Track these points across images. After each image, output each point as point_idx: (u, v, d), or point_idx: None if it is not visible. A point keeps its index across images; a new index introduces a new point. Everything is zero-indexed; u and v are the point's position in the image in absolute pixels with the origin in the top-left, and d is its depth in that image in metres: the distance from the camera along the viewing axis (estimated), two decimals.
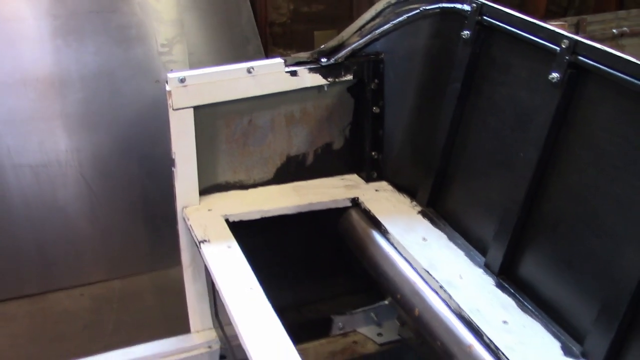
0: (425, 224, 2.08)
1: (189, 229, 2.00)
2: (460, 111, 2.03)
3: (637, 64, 1.47)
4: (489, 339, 1.62)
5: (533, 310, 1.72)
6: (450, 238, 2.01)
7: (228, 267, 1.80)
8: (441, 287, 1.80)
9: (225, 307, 1.67)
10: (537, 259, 1.76)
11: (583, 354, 1.56)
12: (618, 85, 1.52)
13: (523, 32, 1.78)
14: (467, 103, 2.01)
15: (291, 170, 2.25)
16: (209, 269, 1.81)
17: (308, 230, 2.22)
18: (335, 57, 2.15)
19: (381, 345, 2.28)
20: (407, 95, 2.20)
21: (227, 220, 2.03)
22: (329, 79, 2.16)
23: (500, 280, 1.83)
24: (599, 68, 1.56)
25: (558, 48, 1.65)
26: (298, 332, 2.26)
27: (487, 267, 1.87)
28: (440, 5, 2.07)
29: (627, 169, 1.51)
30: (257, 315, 1.65)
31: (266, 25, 3.68)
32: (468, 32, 1.95)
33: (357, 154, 2.31)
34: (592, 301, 1.57)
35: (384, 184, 2.29)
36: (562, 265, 1.69)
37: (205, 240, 1.91)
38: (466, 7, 1.97)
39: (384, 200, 2.20)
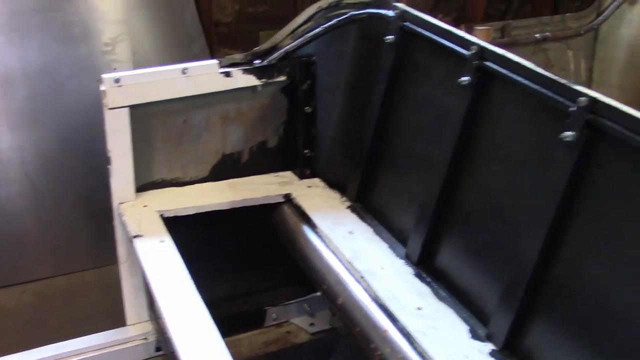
0: (353, 218, 2.19)
1: (124, 225, 2.07)
2: (385, 111, 2.14)
3: (532, 69, 1.61)
4: (402, 324, 1.74)
5: (447, 297, 1.84)
6: (376, 231, 2.12)
7: (160, 261, 1.88)
8: (362, 277, 1.91)
9: (155, 300, 1.75)
10: (452, 249, 1.89)
11: (488, 336, 1.69)
12: (518, 89, 1.65)
13: (439, 37, 1.90)
14: (391, 103, 2.13)
15: (227, 168, 2.33)
16: (141, 263, 1.88)
17: (242, 225, 2.30)
18: (269, 58, 2.25)
19: (313, 334, 2.39)
20: (338, 95, 2.31)
21: (162, 216, 2.10)
22: (262, 80, 2.25)
23: (419, 270, 1.95)
24: (502, 73, 1.69)
25: (468, 53, 1.78)
26: (233, 323, 2.36)
27: (408, 258, 1.99)
28: (367, 10, 2.18)
29: (526, 165, 1.64)
30: (186, 308, 1.72)
31: (211, 24, 3.75)
32: (391, 37, 2.07)
33: (291, 152, 2.41)
34: (496, 286, 1.70)
35: (316, 181, 2.40)
36: (472, 254, 1.82)
37: (138, 235, 1.98)
38: (390, 13, 2.08)
39: (315, 196, 2.30)
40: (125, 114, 2.05)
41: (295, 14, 3.97)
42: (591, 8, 2.98)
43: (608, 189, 1.45)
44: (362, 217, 2.19)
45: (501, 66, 1.70)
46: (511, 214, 1.68)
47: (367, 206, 2.24)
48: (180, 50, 3.50)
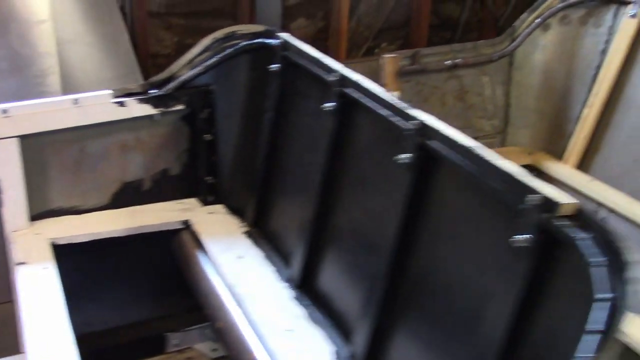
0: (246, 243, 2.22)
1: (11, 253, 2.10)
2: (274, 138, 2.20)
3: (379, 95, 1.66)
4: (270, 347, 1.76)
5: (321, 319, 1.87)
6: (267, 256, 2.15)
7: (36, 290, 1.87)
8: (241, 301, 1.94)
9: (20, 330, 1.76)
10: (327, 271, 1.92)
11: (352, 356, 1.71)
12: (370, 113, 1.70)
13: (311, 65, 1.96)
14: (279, 130, 2.18)
15: (128, 196, 2.37)
16: (17, 291, 1.90)
17: (142, 251, 2.33)
18: (165, 88, 2.30)
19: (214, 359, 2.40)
20: (235, 123, 2.36)
21: (53, 244, 2.12)
22: (159, 109, 2.29)
23: (300, 293, 1.97)
24: (359, 99, 1.74)
25: (332, 80, 1.83)
26: (133, 349, 2.37)
27: (290, 282, 2.02)
28: (257, 41, 2.24)
29: (376, 186, 1.69)
30: (50, 338, 1.69)
31: (148, 57, 3.81)
32: (276, 66, 2.13)
33: (195, 179, 2.44)
34: (357, 307, 1.73)
35: (219, 207, 2.43)
36: (343, 276, 1.86)
37: (22, 263, 2.01)
38: (275, 43, 2.14)
39: (214, 223, 2.33)
40: (14, 144, 2.09)
41: None
42: (505, 34, 3.04)
43: (443, 206, 1.49)
44: (256, 242, 2.23)
45: (359, 92, 1.75)
46: (367, 232, 1.72)
47: (263, 231, 2.27)
48: (113, 83, 3.55)
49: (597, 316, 1.01)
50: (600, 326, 0.98)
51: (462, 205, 1.44)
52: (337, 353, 1.74)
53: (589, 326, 1.00)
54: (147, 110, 2.28)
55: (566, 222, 1.13)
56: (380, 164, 1.66)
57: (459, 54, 2.94)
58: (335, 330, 1.82)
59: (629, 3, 2.81)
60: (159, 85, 2.31)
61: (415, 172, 1.50)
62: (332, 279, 1.90)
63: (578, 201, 1.16)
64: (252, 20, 4.03)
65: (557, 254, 1.16)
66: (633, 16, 2.79)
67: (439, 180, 1.48)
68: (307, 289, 1.98)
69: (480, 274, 1.35)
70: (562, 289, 1.16)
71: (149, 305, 2.38)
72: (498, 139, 3.15)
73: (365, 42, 4.55)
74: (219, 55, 2.30)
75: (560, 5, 2.98)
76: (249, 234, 2.27)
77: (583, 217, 1.13)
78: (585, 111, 2.93)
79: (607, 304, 0.99)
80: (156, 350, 2.38)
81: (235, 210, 2.40)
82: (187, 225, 2.32)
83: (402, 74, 2.79)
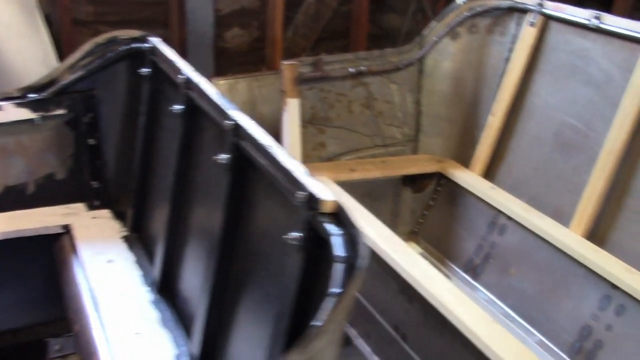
0: (121, 248, 2.22)
1: None
2: (148, 141, 2.20)
3: (212, 98, 1.66)
4: (113, 349, 1.75)
5: (173, 322, 1.86)
6: (138, 260, 2.15)
7: None
8: (99, 304, 1.93)
9: None
10: (183, 274, 1.92)
11: (190, 355, 1.70)
12: (207, 115, 1.71)
13: (170, 70, 1.97)
14: (151, 134, 2.18)
15: (10, 200, 2.36)
16: None
17: (22, 256, 2.32)
18: (45, 92, 2.30)
19: None
20: (117, 127, 2.37)
21: None
22: (38, 113, 2.30)
23: (160, 297, 1.97)
24: (198, 102, 1.75)
25: (180, 83, 1.84)
26: (13, 355, 2.35)
27: (152, 285, 2.01)
28: (132, 46, 2.25)
29: (207, 189, 1.69)
30: None
31: None
32: (146, 70, 2.14)
33: (81, 183, 2.44)
34: (195, 308, 1.73)
35: (104, 212, 2.43)
36: (191, 279, 1.85)
37: None
38: (145, 48, 2.15)
39: (94, 227, 2.33)
40: None
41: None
42: (414, 42, 3.06)
43: (255, 205, 1.49)
44: (131, 247, 2.22)
45: (201, 97, 1.75)
46: (205, 233, 1.72)
47: (140, 236, 2.27)
48: None
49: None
50: (319, 322, 0.98)
51: (267, 204, 1.44)
52: (177, 357, 1.73)
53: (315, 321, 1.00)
54: (25, 114, 2.28)
55: (326, 219, 1.14)
56: (211, 164, 1.66)
57: (365, 61, 2.94)
58: (183, 333, 1.81)
59: (529, 11, 2.83)
60: (39, 89, 2.31)
61: (233, 172, 1.50)
62: (185, 282, 1.89)
63: (336, 199, 1.16)
64: (182, 29, 4.06)
65: (321, 250, 1.16)
66: (532, 24, 2.81)
67: (251, 179, 1.48)
68: (166, 292, 1.98)
69: (278, 271, 1.35)
70: (325, 286, 1.15)
71: (30, 311, 2.37)
72: (409, 147, 3.16)
73: (302, 52, 4.57)
74: (99, 60, 2.31)
75: (468, 14, 3.00)
76: (127, 239, 2.26)
77: (341, 215, 1.13)
78: (490, 119, 2.95)
79: (334, 300, 0.99)
80: (37, 356, 2.36)
81: (119, 215, 2.40)
82: (67, 230, 2.32)
83: (305, 81, 2.79)
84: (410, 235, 3.11)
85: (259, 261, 1.45)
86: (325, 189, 1.19)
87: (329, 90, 2.89)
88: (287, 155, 1.35)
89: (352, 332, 2.61)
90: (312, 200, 1.16)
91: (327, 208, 1.15)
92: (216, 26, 4.20)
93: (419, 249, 3.03)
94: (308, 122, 2.86)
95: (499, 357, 1.74)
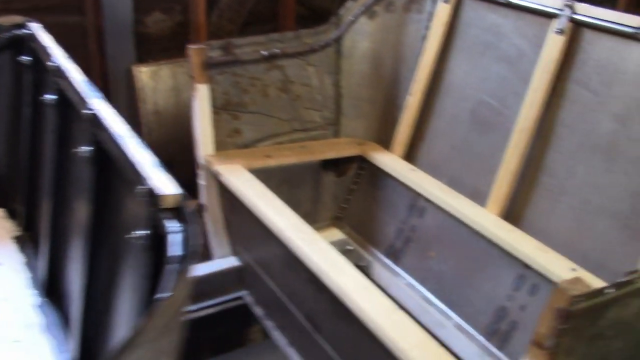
0: (12, 248, 2.09)
1: None
2: (35, 134, 2.06)
3: (79, 92, 1.54)
4: None
5: (57, 328, 1.75)
6: (28, 262, 2.02)
7: None
8: None
9: None
10: (68, 276, 1.80)
11: None
12: (76, 108, 1.58)
13: (46, 56, 1.84)
14: (37, 126, 2.04)
15: None
16: None
17: None
18: None
19: None
20: (4, 120, 2.22)
21: None
22: None
23: (47, 301, 1.85)
24: (68, 93, 1.62)
25: (51, 70, 1.71)
26: None
27: (39, 288, 1.89)
28: (13, 33, 2.10)
29: (75, 172, 1.57)
30: None
31: None
32: (26, 58, 1.99)
33: None
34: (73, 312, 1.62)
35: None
36: (75, 278, 1.74)
37: None
38: (25, 34, 2.01)
39: None
40: None
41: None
42: (330, 23, 2.97)
43: (119, 201, 1.39)
44: (22, 247, 2.09)
45: (68, 83, 1.63)
46: (78, 229, 1.61)
47: (33, 235, 2.14)
48: None
49: None
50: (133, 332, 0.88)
51: (125, 199, 1.33)
52: None
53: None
54: None
55: (167, 215, 1.04)
56: (78, 157, 1.55)
57: (278, 43, 2.84)
58: (66, 338, 1.70)
59: None
60: None
61: (94, 165, 1.39)
62: (68, 283, 1.78)
63: (179, 193, 1.06)
64: (98, 15, 3.87)
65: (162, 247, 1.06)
66: (446, 1, 2.74)
67: (111, 173, 1.37)
68: (53, 295, 1.86)
69: (134, 271, 1.25)
70: None
71: None
72: (331, 130, 3.07)
73: (229, 37, 4.43)
74: None
75: None
76: (18, 239, 2.13)
77: (181, 210, 1.04)
78: (409, 99, 2.88)
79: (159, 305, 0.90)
80: None
81: (14, 213, 2.26)
82: None
83: (215, 66, 2.68)
84: (333, 221, 3.03)
85: (121, 260, 1.35)
86: (169, 182, 1.10)
87: (241, 75, 2.77)
88: (139, 146, 1.25)
89: (269, 324, 2.53)
90: (153, 195, 1.06)
91: (167, 203, 1.05)
92: (135, 11, 4.02)
93: (342, 235, 2.96)
94: (221, 108, 2.75)
95: (398, 347, 1.68)
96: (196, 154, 2.69)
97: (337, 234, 2.97)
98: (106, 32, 3.95)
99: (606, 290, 1.22)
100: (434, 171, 2.77)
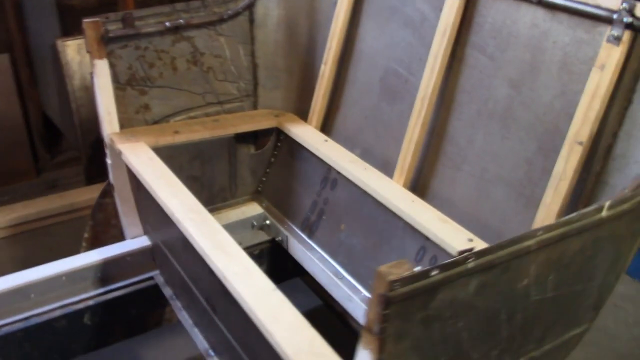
0: None
1: None
2: None
3: None
4: None
5: None
6: None
7: None
8: None
9: None
10: None
11: None
12: None
13: None
14: None
15: None
16: None
17: None
18: None
19: None
20: None
21: None
22: None
23: None
24: None
25: None
26: None
27: None
28: None
29: None
30: None
31: None
32: None
33: None
34: None
35: None
36: None
37: None
38: None
39: None
40: None
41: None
42: None
43: None
44: None
45: None
46: None
47: None
48: None
49: None
50: None
51: None
52: None
53: None
54: None
55: None
56: None
57: (184, 14, 2.73)
58: None
59: None
60: None
61: None
62: None
63: None
64: None
65: None
66: None
67: None
68: None
69: None
70: None
71: None
72: (249, 102, 2.99)
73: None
74: None
75: None
76: None
77: None
78: (322, 68, 2.79)
79: None
80: None
81: None
82: None
83: (115, 40, 2.57)
84: (254, 195, 2.97)
85: None
86: None
87: (145, 48, 2.67)
88: None
89: (177, 305, 2.49)
90: None
91: None
92: None
93: (261, 210, 2.90)
94: (127, 83, 2.65)
95: (268, 329, 1.63)
96: (101, 132, 2.61)
97: (256, 209, 2.92)
98: (26, 5, 3.83)
99: (432, 273, 1.17)
100: (348, 142, 2.70)
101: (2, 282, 2.39)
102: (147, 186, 2.27)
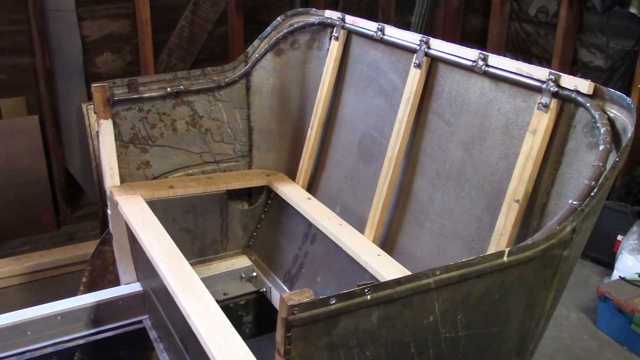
0: None
1: None
2: None
3: None
4: None
5: None
6: None
7: None
8: None
9: None
10: None
11: None
12: None
13: None
14: None
15: None
16: None
17: None
18: None
19: None
20: None
21: None
22: None
23: None
24: None
25: None
26: None
27: None
28: None
29: None
30: None
31: None
32: None
33: None
34: None
35: None
36: None
37: None
38: None
39: None
40: None
41: (37, 80, 4.14)
42: (237, 61, 3.13)
43: None
44: None
45: None
46: None
47: None
48: None
49: None
50: None
51: None
52: None
53: None
54: None
55: None
56: None
57: (185, 81, 3.01)
58: None
59: (335, 26, 2.92)
60: None
61: None
62: None
63: None
64: (47, 57, 4.12)
65: None
66: (336, 39, 2.90)
67: None
68: None
69: None
70: None
71: None
72: (243, 162, 3.22)
73: None
74: None
75: (286, 30, 3.08)
76: None
77: None
78: (309, 132, 3.02)
79: None
80: None
81: None
82: None
83: (120, 102, 2.85)
84: (245, 249, 3.16)
85: None
86: None
87: (148, 110, 2.94)
88: None
89: (159, 347, 2.65)
90: None
91: None
92: (85, 52, 4.27)
93: (249, 262, 3.08)
94: (129, 142, 2.92)
95: None
96: (104, 185, 2.86)
97: (245, 261, 3.09)
98: (56, 72, 4.20)
99: (331, 301, 1.33)
100: (330, 200, 2.89)
101: (2, 318, 2.60)
102: (134, 233, 2.49)
